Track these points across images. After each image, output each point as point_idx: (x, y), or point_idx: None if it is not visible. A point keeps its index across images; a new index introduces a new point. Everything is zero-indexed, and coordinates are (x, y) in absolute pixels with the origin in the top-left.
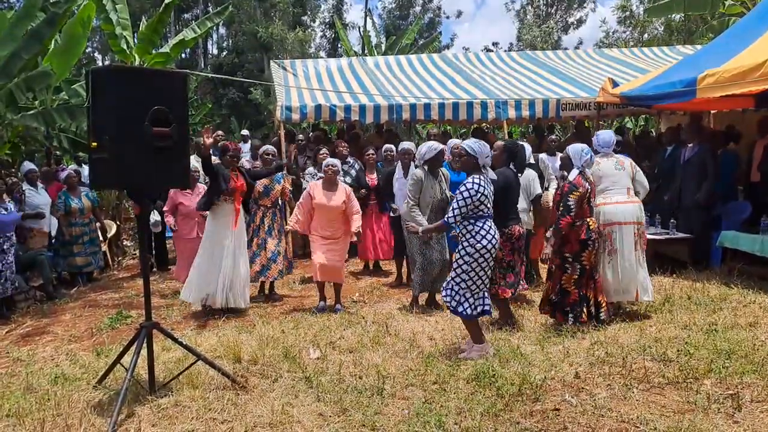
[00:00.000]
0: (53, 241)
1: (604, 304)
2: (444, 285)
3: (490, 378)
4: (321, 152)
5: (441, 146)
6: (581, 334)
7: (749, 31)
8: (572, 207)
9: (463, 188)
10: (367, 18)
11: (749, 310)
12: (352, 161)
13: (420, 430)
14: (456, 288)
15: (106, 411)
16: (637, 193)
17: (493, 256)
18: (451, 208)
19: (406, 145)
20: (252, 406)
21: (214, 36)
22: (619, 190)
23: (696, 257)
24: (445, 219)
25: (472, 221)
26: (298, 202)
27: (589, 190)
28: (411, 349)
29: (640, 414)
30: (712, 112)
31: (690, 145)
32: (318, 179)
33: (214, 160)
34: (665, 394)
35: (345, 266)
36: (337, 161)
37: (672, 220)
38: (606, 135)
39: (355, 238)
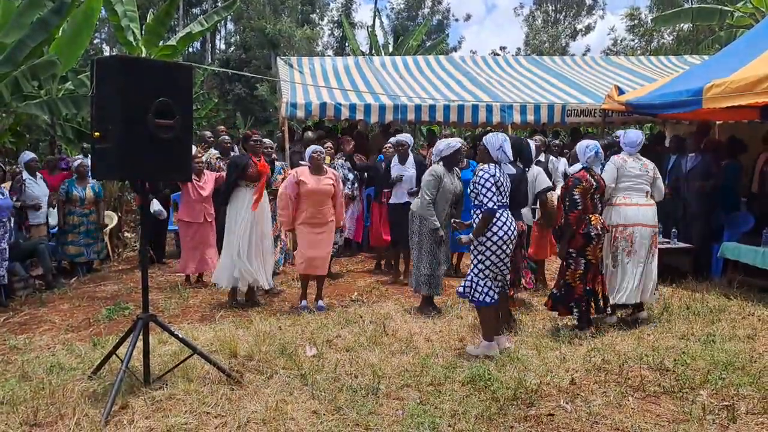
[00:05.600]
0: (54, 229)
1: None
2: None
3: (486, 381)
4: (326, 145)
5: (459, 144)
6: (578, 340)
7: (757, 43)
8: (578, 201)
9: (479, 176)
10: (376, 18)
11: (748, 322)
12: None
13: (413, 431)
14: (473, 278)
15: (100, 401)
16: (651, 197)
17: (511, 246)
18: (481, 197)
19: (401, 137)
20: (246, 402)
21: (222, 31)
22: (639, 192)
23: (697, 267)
24: (487, 208)
25: None
26: (281, 194)
27: (595, 186)
28: (408, 349)
29: (634, 422)
30: (718, 122)
31: (692, 154)
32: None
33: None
34: (660, 403)
35: (330, 258)
36: (321, 148)
37: (674, 230)
38: (633, 134)
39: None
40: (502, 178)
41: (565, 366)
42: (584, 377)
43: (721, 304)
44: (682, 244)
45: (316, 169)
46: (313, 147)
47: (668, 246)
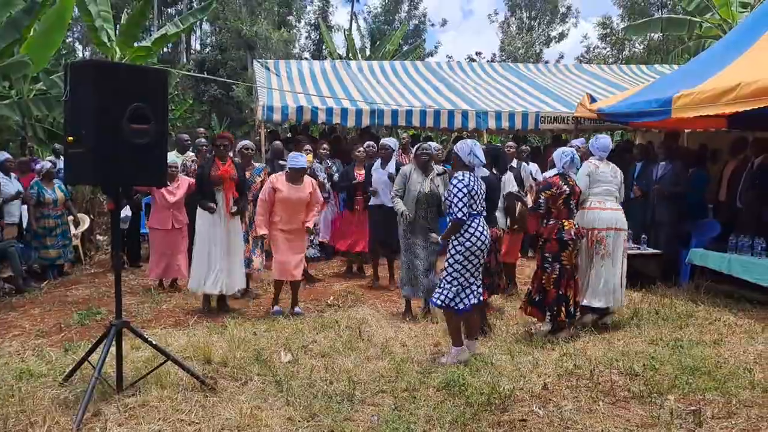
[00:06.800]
0: (24, 232)
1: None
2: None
3: (460, 387)
4: (305, 148)
5: (431, 150)
6: (551, 345)
7: (725, 54)
8: (542, 204)
9: (452, 185)
10: (353, 21)
11: (714, 328)
12: (330, 163)
13: None
14: (445, 285)
15: (71, 409)
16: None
17: (484, 253)
18: (452, 205)
19: (385, 140)
20: (220, 409)
21: (198, 32)
22: (610, 196)
23: (665, 273)
24: (455, 218)
25: None
26: (259, 199)
27: (568, 193)
28: (383, 355)
29: (604, 427)
30: (687, 131)
31: (662, 162)
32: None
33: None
34: (630, 408)
35: (303, 263)
36: (305, 164)
37: (643, 236)
38: (604, 140)
39: (308, 233)
40: (476, 187)
41: (538, 371)
42: (556, 382)
43: (689, 309)
44: (651, 250)
45: (293, 178)
46: (298, 163)
47: (638, 252)
